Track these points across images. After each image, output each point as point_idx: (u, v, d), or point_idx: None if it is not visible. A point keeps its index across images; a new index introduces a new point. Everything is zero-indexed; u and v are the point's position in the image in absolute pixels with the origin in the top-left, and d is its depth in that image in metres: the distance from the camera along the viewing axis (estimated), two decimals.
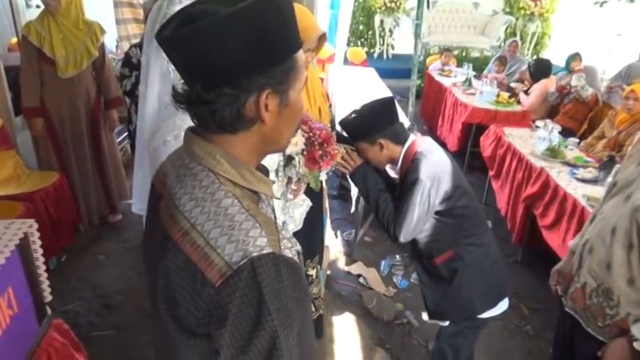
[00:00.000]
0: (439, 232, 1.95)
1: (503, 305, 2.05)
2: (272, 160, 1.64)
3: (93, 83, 3.45)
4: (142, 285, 2.97)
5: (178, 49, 0.78)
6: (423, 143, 1.95)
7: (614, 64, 6.83)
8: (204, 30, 0.74)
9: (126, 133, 4.29)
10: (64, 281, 3.07)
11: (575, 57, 5.88)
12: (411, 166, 1.88)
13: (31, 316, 1.53)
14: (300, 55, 0.84)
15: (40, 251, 1.61)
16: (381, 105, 1.95)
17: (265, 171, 1.00)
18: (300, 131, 1.78)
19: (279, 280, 0.78)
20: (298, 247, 0.87)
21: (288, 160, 1.81)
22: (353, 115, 1.92)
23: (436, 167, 1.87)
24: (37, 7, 3.96)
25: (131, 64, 3.23)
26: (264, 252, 0.75)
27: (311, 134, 1.79)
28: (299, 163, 1.78)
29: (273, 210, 1.02)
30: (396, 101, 2.05)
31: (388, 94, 5.44)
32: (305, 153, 1.77)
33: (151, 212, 0.96)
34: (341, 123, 1.99)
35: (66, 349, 1.59)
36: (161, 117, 1.40)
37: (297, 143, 1.76)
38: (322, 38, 1.81)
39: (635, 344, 1.63)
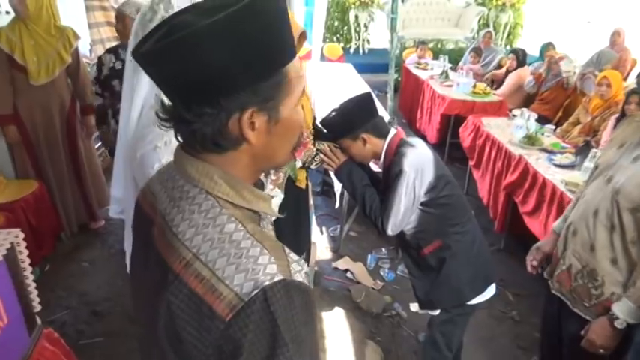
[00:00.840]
0: (425, 223, 1.98)
1: (491, 290, 2.10)
2: None
3: (67, 90, 3.39)
4: (127, 289, 2.95)
5: (152, 65, 0.73)
6: (404, 136, 1.98)
7: (585, 52, 6.96)
8: (175, 45, 0.68)
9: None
10: (48, 291, 3.02)
11: (549, 46, 5.99)
12: (394, 158, 1.91)
13: (22, 327, 1.51)
14: (292, 66, 0.76)
15: (28, 261, 1.59)
16: (360, 100, 1.98)
17: (261, 186, 0.94)
18: None
19: (292, 307, 0.72)
20: (306, 268, 0.81)
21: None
22: (333, 113, 1.94)
23: (419, 158, 1.90)
24: (7, 13, 3.87)
25: (101, 71, 3.16)
26: (276, 279, 0.69)
27: None
28: None
29: (273, 227, 0.96)
30: (374, 95, 2.08)
31: (367, 88, 5.45)
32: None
33: (139, 236, 0.90)
34: (322, 122, 2.00)
35: (57, 358, 1.57)
36: (142, 122, 1.37)
37: None
38: (302, 36, 1.81)
39: (615, 322, 1.68)
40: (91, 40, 5.90)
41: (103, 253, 3.50)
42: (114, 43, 3.92)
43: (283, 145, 0.82)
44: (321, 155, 2.03)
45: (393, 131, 1.99)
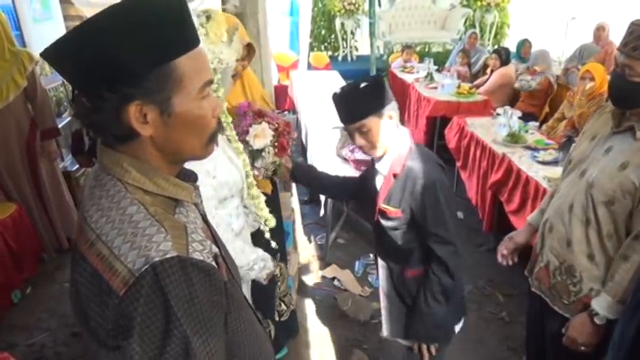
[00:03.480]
0: (416, 244, 1.78)
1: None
2: (234, 182, 1.61)
3: (26, 114, 3.29)
4: None
5: (50, 59, 0.76)
6: (412, 139, 1.75)
7: (570, 47, 6.95)
8: (66, 35, 0.74)
9: None
10: (28, 314, 2.98)
11: (525, 43, 5.98)
12: (414, 165, 1.66)
13: None
14: (187, 60, 0.77)
15: None
16: (380, 81, 1.73)
17: (192, 176, 0.95)
18: (265, 125, 1.81)
19: (189, 283, 0.74)
20: (215, 249, 0.84)
21: (258, 153, 1.83)
22: (362, 85, 1.64)
23: (439, 170, 1.72)
24: None
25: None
26: (168, 256, 0.73)
27: (276, 124, 1.83)
28: (269, 153, 1.84)
29: (204, 215, 0.99)
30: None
31: None
32: (276, 144, 1.82)
33: None
34: (349, 97, 1.67)
35: None
36: None
37: (265, 136, 1.81)
38: (250, 47, 1.87)
39: (595, 319, 1.64)
40: None
41: None
42: None
43: (187, 138, 0.83)
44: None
45: (404, 129, 1.76)
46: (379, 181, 1.78)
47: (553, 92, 5.00)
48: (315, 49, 9.24)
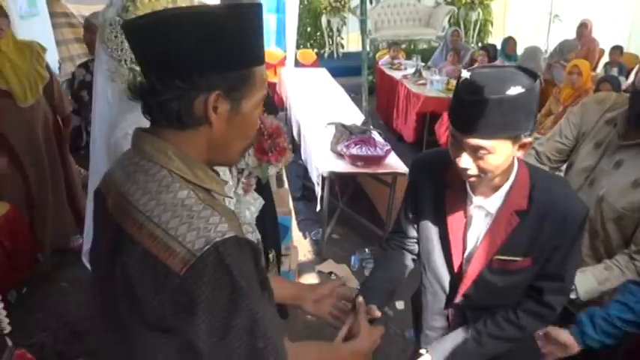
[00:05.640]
0: None
1: None
2: None
3: (47, 105, 3.30)
4: None
5: (138, 36, 0.81)
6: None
7: (553, 45, 7.09)
8: (165, 18, 0.79)
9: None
10: (26, 314, 2.95)
11: (509, 40, 6.09)
12: (548, 200, 1.20)
13: None
14: (260, 71, 0.86)
15: None
16: (535, 79, 1.12)
17: (217, 173, 0.99)
18: None
19: (247, 261, 0.79)
20: (258, 235, 0.87)
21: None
22: (514, 90, 1.05)
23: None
24: None
25: (73, 85, 3.11)
26: (227, 236, 0.76)
27: (260, 125, 1.75)
28: (248, 153, 1.75)
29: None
30: None
31: (341, 92, 5.49)
32: (254, 143, 1.76)
33: (97, 219, 0.94)
34: (489, 104, 1.05)
35: None
36: (114, 113, 1.38)
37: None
38: None
39: (571, 293, 1.57)
40: (59, 57, 5.82)
41: (82, 273, 3.42)
42: (84, 59, 3.87)
43: (238, 139, 0.89)
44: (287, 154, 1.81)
45: None
46: (479, 224, 1.29)
47: (540, 88, 5.10)
48: (302, 46, 9.25)
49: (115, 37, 1.28)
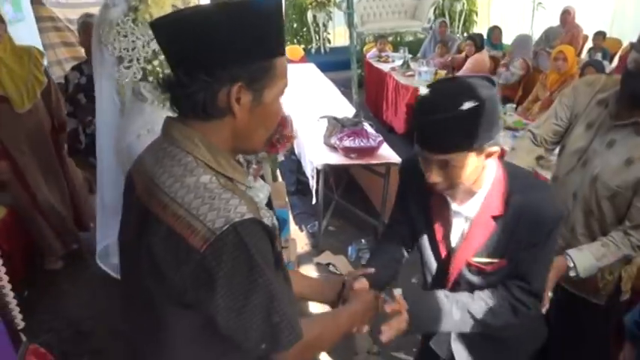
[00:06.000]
0: None
1: None
2: None
3: (44, 110, 3.30)
4: (112, 307, 2.92)
5: (166, 33, 0.86)
6: (499, 160, 1.28)
7: (538, 33, 7.17)
8: (188, 16, 0.84)
9: None
10: (29, 316, 2.95)
11: (495, 30, 6.16)
12: (523, 205, 1.23)
13: (7, 344, 1.50)
14: (281, 62, 0.90)
15: (6, 278, 1.58)
16: (491, 87, 1.14)
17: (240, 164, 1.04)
18: None
19: (263, 241, 0.84)
20: (275, 220, 0.92)
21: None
22: (467, 106, 1.07)
23: (552, 191, 1.35)
24: None
25: (68, 89, 3.11)
26: (246, 217, 0.81)
27: None
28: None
29: None
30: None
31: (331, 86, 5.53)
32: (280, 141, 1.80)
33: (126, 200, 0.99)
34: (443, 123, 1.10)
35: None
36: (123, 116, 1.40)
37: None
38: None
39: (570, 271, 1.65)
40: (47, 62, 5.79)
41: (84, 273, 3.45)
42: (72, 64, 3.87)
43: (261, 128, 0.93)
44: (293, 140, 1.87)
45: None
46: (459, 228, 1.34)
47: (529, 75, 5.17)
48: (288, 42, 9.27)
49: (125, 36, 1.29)
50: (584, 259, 1.65)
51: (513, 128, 3.67)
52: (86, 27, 2.93)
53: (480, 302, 1.31)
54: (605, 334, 2.00)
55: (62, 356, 2.68)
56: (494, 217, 1.26)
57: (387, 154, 3.58)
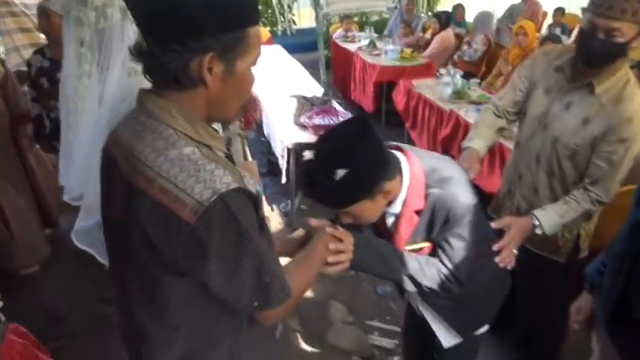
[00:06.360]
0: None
1: None
2: None
3: (2, 101, 3.10)
4: (86, 291, 2.92)
5: (136, 3, 0.85)
6: (414, 157, 1.39)
7: (500, 11, 7.30)
8: None
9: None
10: None
11: (458, 7, 6.27)
12: (434, 194, 1.35)
13: None
14: (254, 31, 0.90)
15: None
16: (365, 136, 1.22)
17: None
18: None
19: (249, 209, 0.87)
20: (258, 187, 0.95)
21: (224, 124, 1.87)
22: (339, 175, 1.17)
23: (465, 180, 1.41)
24: None
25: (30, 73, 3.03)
26: (232, 187, 0.84)
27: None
28: (234, 125, 1.81)
29: None
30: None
31: (299, 67, 5.53)
32: (242, 119, 1.83)
33: (105, 175, 1.00)
34: (323, 195, 1.24)
35: (28, 350, 1.58)
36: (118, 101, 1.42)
37: None
38: None
39: (536, 229, 1.75)
40: (4, 48, 5.62)
41: (54, 259, 3.41)
42: (30, 50, 3.76)
43: (234, 98, 0.94)
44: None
45: (399, 157, 1.38)
46: (391, 222, 1.47)
47: (491, 50, 5.28)
48: None
49: None
50: (548, 216, 1.75)
51: (477, 102, 3.77)
52: (45, 12, 2.86)
53: (415, 261, 1.41)
54: (565, 289, 2.12)
55: (40, 341, 2.66)
56: (417, 212, 1.38)
57: None
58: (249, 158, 4.10)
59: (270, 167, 4.68)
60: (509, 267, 1.65)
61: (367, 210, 1.29)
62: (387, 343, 2.68)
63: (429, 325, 1.69)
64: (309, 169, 1.23)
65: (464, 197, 1.35)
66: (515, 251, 1.72)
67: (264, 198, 4.14)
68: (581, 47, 1.72)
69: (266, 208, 4.05)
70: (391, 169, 1.30)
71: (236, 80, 0.91)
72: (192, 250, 0.84)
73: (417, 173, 1.36)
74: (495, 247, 1.64)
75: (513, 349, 2.44)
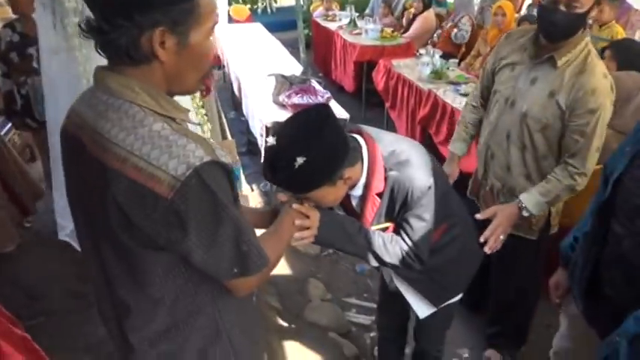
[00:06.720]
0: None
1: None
2: None
3: None
4: (64, 270, 2.90)
5: None
6: (374, 142, 1.44)
7: None
8: None
9: (9, 125, 3.89)
10: None
11: None
12: (394, 176, 1.40)
13: None
14: (206, 1, 0.88)
15: None
16: (327, 125, 1.25)
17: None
18: None
19: (224, 180, 0.89)
20: (229, 159, 0.96)
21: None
22: (297, 163, 1.19)
23: (426, 162, 1.44)
24: None
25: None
26: (205, 160, 0.84)
27: None
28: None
29: None
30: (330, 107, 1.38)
31: (279, 45, 5.48)
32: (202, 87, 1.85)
33: (72, 161, 0.98)
34: (283, 181, 1.26)
35: (3, 326, 1.57)
36: None
37: None
38: None
39: (523, 211, 1.84)
40: None
41: (30, 238, 3.38)
42: None
43: (191, 70, 0.93)
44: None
45: (360, 141, 1.43)
46: (355, 204, 1.53)
47: (473, 31, 5.29)
48: (233, 2, 9.03)
49: None
50: (531, 198, 1.84)
51: (455, 82, 3.80)
52: None
53: (380, 239, 1.46)
54: (536, 266, 2.19)
55: (16, 318, 2.65)
56: (379, 194, 1.43)
57: (335, 110, 3.63)
58: (229, 137, 4.09)
59: (249, 147, 4.66)
60: (488, 251, 1.78)
61: (328, 195, 1.33)
62: (363, 319, 2.73)
63: (403, 299, 1.75)
64: (270, 156, 1.25)
65: (420, 179, 1.39)
66: (502, 237, 1.83)
67: (243, 177, 4.15)
68: (542, 21, 1.78)
69: (245, 188, 4.05)
70: (351, 155, 1.33)
71: (192, 52, 0.90)
72: (171, 225, 0.85)
73: (376, 157, 1.40)
74: (482, 238, 1.76)
75: (487, 325, 2.51)
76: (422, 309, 1.75)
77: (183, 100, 1.65)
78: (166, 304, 0.98)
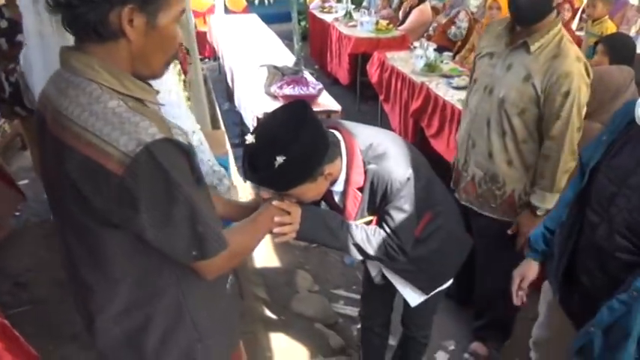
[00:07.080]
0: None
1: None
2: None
3: None
4: (50, 257, 2.89)
5: None
6: (352, 136, 1.44)
7: None
8: None
9: None
10: None
11: None
12: (373, 170, 1.42)
13: None
14: None
15: None
16: (306, 123, 1.25)
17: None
18: None
19: (178, 159, 0.88)
20: (189, 139, 0.95)
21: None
22: (278, 162, 1.18)
23: (404, 153, 1.45)
24: None
25: None
26: (157, 137, 0.84)
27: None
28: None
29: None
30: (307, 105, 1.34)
31: (274, 37, 5.45)
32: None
33: (39, 139, 0.99)
34: (263, 179, 1.27)
35: None
36: None
37: None
38: None
39: (538, 212, 1.93)
40: None
41: (18, 227, 3.37)
42: None
43: (158, 51, 0.93)
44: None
45: (338, 137, 1.43)
46: (337, 199, 1.54)
47: (471, 25, 5.26)
48: None
49: None
50: (539, 197, 1.93)
51: (448, 75, 3.79)
52: None
53: (362, 232, 1.46)
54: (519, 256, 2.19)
55: (2, 306, 2.65)
56: (359, 189, 1.45)
57: (327, 102, 3.62)
58: (222, 127, 4.08)
59: (242, 138, 4.64)
60: None
61: (309, 191, 1.33)
62: (350, 311, 2.73)
63: (387, 291, 1.77)
64: (249, 154, 1.25)
65: (398, 171, 1.40)
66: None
67: (235, 168, 4.14)
68: (510, 5, 1.85)
69: (238, 179, 4.04)
70: (331, 151, 1.33)
71: (159, 34, 0.90)
72: (123, 202, 0.85)
73: (354, 152, 1.41)
74: (518, 249, 2.03)
75: (472, 318, 2.52)
76: (412, 297, 1.77)
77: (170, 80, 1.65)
78: (127, 284, 0.98)
